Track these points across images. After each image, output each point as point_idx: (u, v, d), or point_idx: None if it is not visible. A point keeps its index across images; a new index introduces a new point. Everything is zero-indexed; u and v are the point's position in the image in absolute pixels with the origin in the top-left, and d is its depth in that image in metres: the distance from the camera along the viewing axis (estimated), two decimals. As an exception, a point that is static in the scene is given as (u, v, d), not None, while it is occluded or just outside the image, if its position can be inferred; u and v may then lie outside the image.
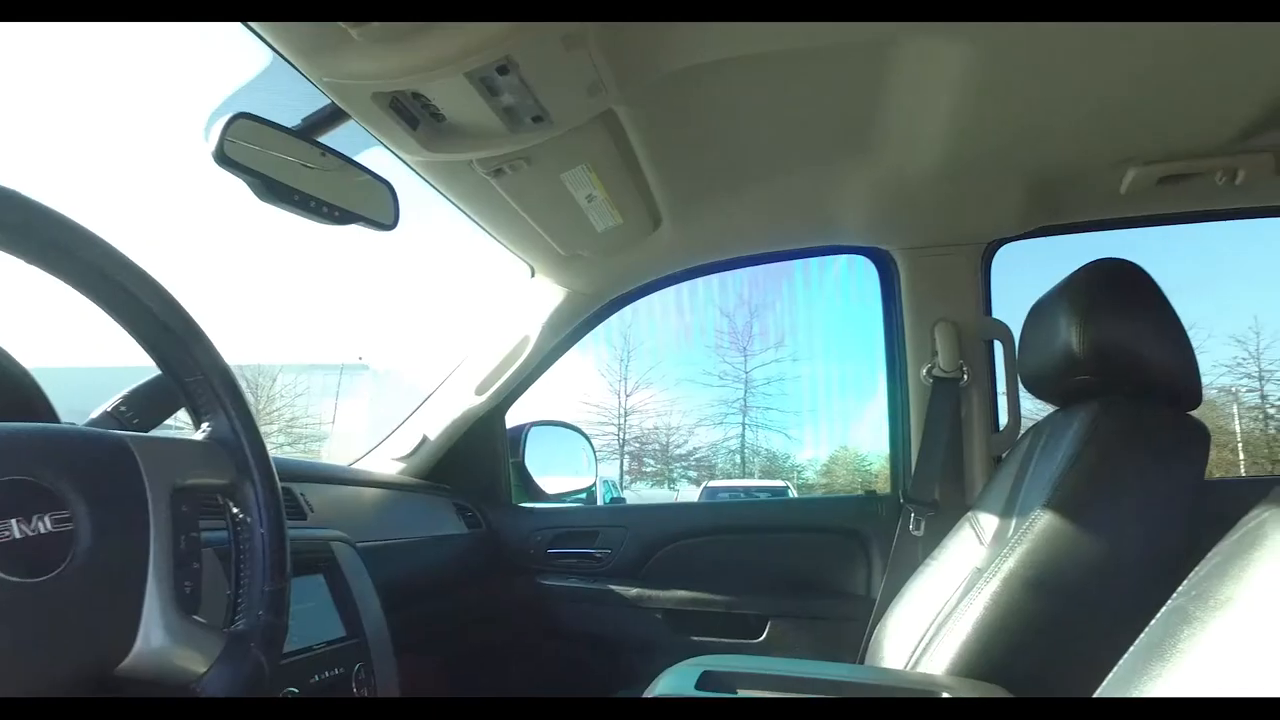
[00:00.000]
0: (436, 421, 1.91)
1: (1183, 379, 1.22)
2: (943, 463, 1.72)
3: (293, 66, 0.98)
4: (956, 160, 1.48)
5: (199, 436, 0.65)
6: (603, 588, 1.87)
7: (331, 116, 1.08)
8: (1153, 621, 0.55)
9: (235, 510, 0.65)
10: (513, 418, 2.07)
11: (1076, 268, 1.33)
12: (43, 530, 0.51)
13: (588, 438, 2.34)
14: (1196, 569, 0.55)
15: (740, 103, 1.34)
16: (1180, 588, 0.55)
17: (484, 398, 1.89)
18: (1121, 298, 1.25)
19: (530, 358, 1.88)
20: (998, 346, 1.79)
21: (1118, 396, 1.22)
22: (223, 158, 0.91)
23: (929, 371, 1.76)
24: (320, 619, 1.03)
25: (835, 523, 1.85)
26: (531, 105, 1.08)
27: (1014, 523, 1.27)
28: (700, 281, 1.96)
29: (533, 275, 1.82)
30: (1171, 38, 1.13)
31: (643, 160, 1.40)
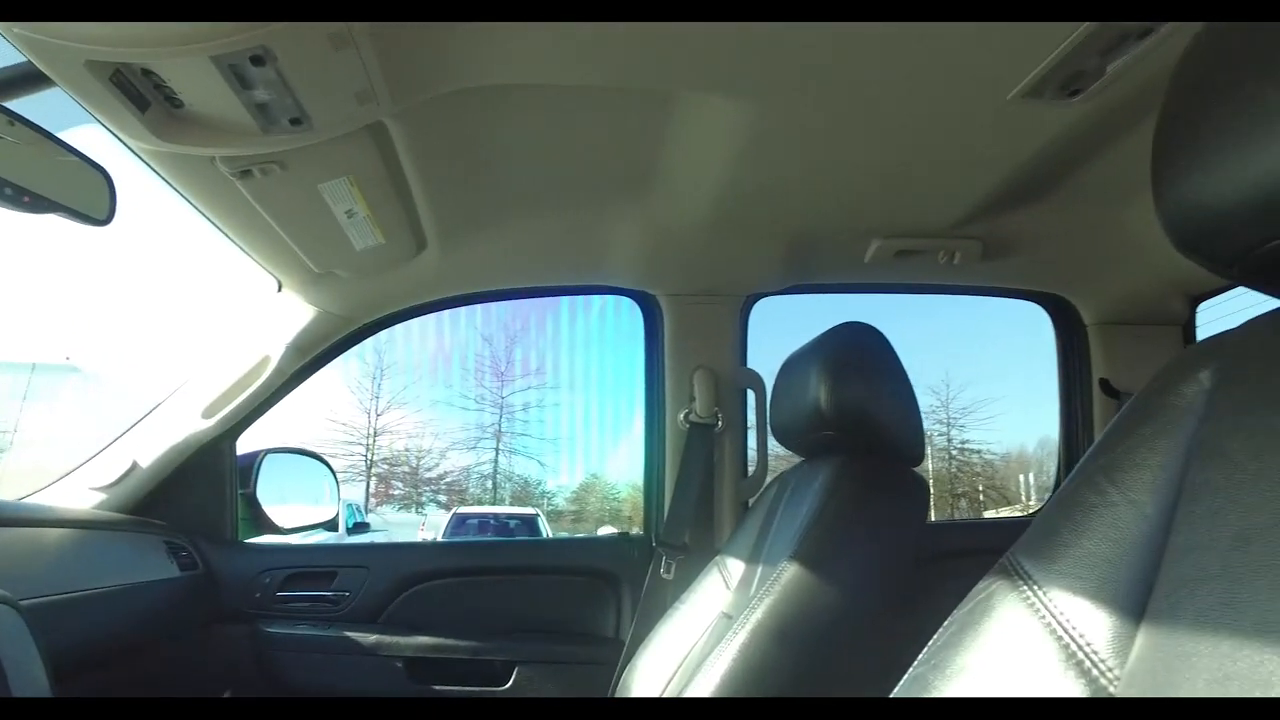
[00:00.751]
0: (151, 446, 1.65)
1: (911, 439, 1.34)
2: (694, 506, 1.77)
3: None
4: (725, 215, 1.55)
5: None
6: (337, 635, 1.70)
7: (26, 78, 0.89)
8: (895, 690, 0.57)
9: None
10: (244, 444, 1.86)
11: (826, 329, 1.44)
12: None
13: (329, 466, 2.15)
14: (934, 639, 0.57)
15: (520, 132, 1.31)
16: (920, 656, 0.57)
17: (211, 422, 1.67)
18: (864, 362, 1.35)
19: (269, 381, 1.69)
20: (751, 395, 1.89)
21: (856, 453, 1.32)
22: None
23: (686, 416, 1.81)
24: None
25: (588, 564, 1.84)
26: (290, 105, 0.97)
27: (760, 571, 1.32)
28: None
29: (279, 289, 1.65)
30: (901, 138, 1.27)
31: (412, 180, 1.32)
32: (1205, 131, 0.51)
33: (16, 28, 0.79)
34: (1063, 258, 1.82)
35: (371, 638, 1.70)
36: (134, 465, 1.64)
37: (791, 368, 1.50)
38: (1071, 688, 0.48)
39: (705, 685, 1.12)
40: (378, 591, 1.77)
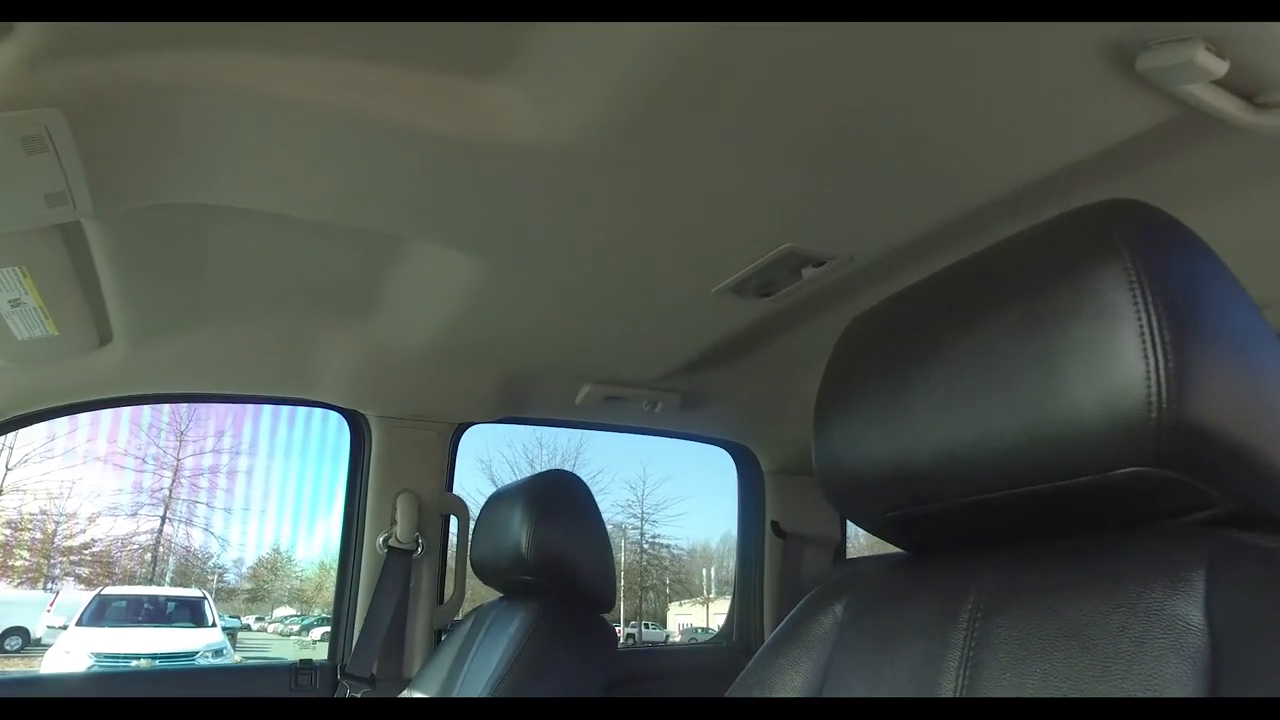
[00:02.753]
0: None
1: (604, 587, 1.41)
2: (385, 634, 1.70)
3: None
4: (443, 346, 1.58)
5: None
6: None
7: None
8: None
9: None
10: None
11: (532, 475, 1.49)
12: None
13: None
14: None
15: (233, 248, 1.26)
16: None
17: None
18: (567, 511, 1.42)
19: None
20: (454, 521, 1.88)
21: (552, 598, 1.36)
22: None
23: (385, 540, 1.75)
24: None
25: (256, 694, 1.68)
26: (-42, 197, 0.86)
27: None
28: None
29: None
30: (615, 309, 1.40)
31: (103, 277, 1.20)
32: (858, 404, 0.62)
33: None
34: (748, 414, 2.05)
35: None
36: None
37: (497, 505, 1.52)
38: None
39: None
40: None
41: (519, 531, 1.37)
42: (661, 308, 1.38)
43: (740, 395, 1.95)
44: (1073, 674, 0.47)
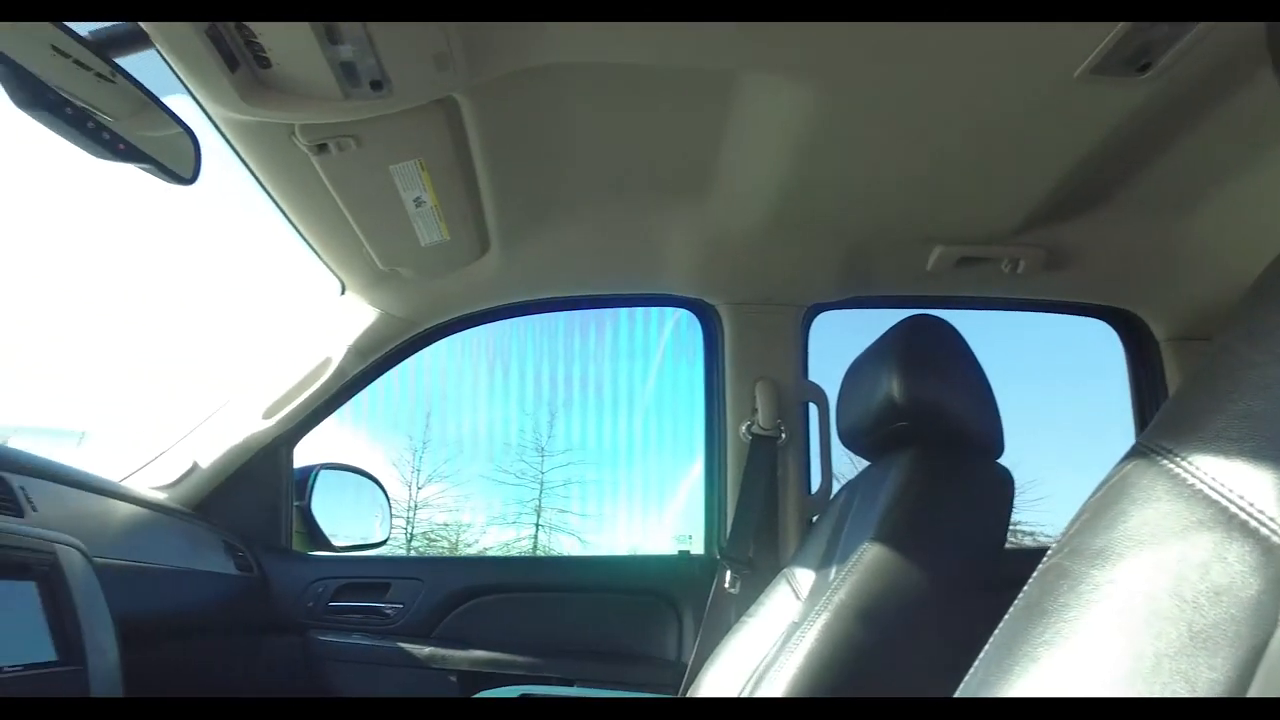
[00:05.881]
0: (212, 447, 1.66)
1: (989, 430, 1.29)
2: (758, 520, 1.72)
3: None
4: (784, 219, 1.55)
5: None
6: (391, 647, 1.67)
7: (129, 38, 0.92)
8: (1028, 584, 0.53)
9: None
10: (300, 458, 1.86)
11: (890, 328, 1.41)
12: None
13: (384, 489, 2.13)
14: (1068, 527, 0.53)
15: (585, 118, 1.33)
16: (1054, 546, 0.53)
17: (271, 422, 1.68)
18: (936, 352, 1.32)
19: (329, 383, 1.70)
20: (813, 410, 1.85)
21: (931, 444, 1.27)
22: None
23: (748, 428, 1.77)
24: (20, 635, 0.81)
25: (646, 583, 1.79)
26: (373, 66, 0.99)
27: (833, 570, 1.27)
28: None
29: (343, 292, 1.67)
30: (966, 123, 1.25)
31: (479, 167, 1.33)
32: None
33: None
34: (1130, 270, 1.77)
35: (425, 650, 1.66)
36: (194, 466, 1.65)
37: (858, 368, 1.46)
38: (1236, 553, 0.43)
39: (787, 670, 1.06)
40: (431, 605, 1.73)
41: (886, 380, 1.29)
42: (1016, 115, 1.23)
43: (1117, 247, 1.69)
44: None
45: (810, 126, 1.27)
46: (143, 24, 0.90)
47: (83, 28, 0.88)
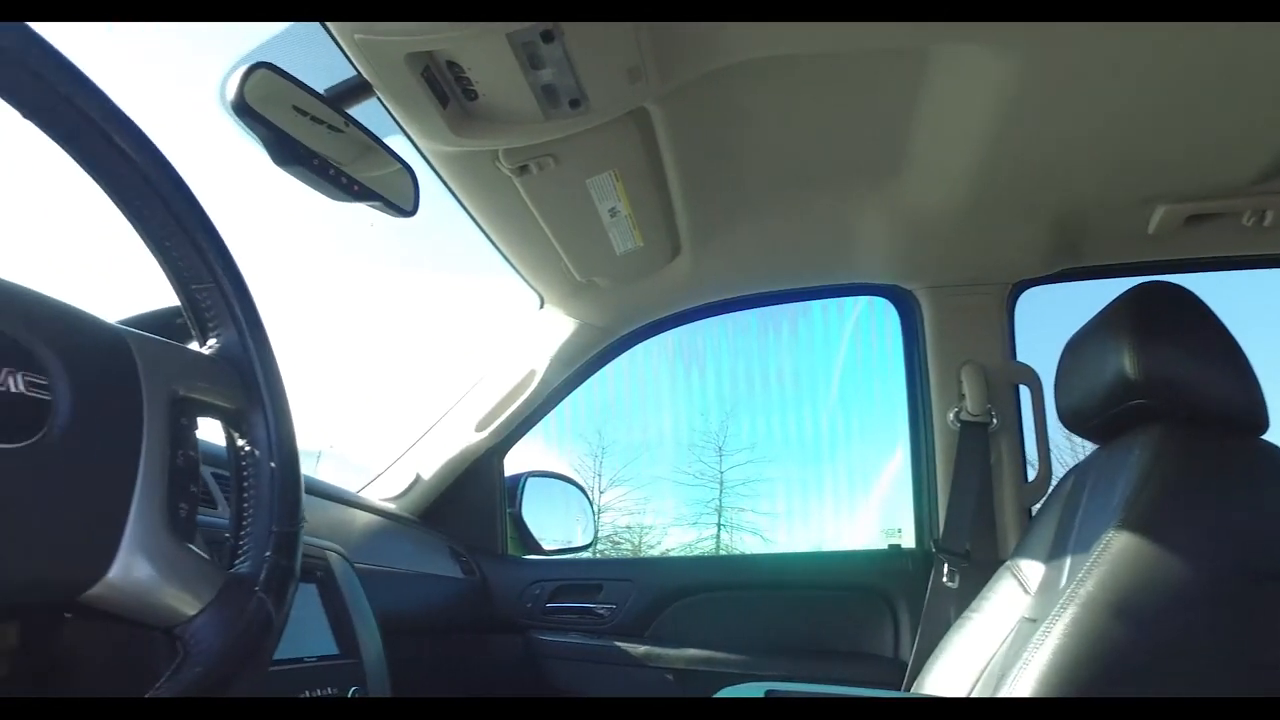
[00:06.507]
0: (432, 459, 1.78)
1: (1245, 401, 1.14)
2: (973, 511, 1.63)
3: (323, 25, 0.92)
4: (983, 194, 1.45)
5: (205, 351, 0.54)
6: (608, 645, 1.72)
7: (356, 89, 1.01)
8: None
9: (240, 441, 0.54)
10: (509, 465, 1.96)
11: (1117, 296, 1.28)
12: (13, 389, 0.40)
13: (588, 495, 2.21)
14: None
15: (771, 113, 1.30)
16: None
17: (484, 434, 1.78)
18: (1175, 319, 1.19)
19: (536, 393, 1.78)
20: (1024, 393, 1.73)
21: (1177, 422, 1.14)
22: (242, 106, 0.84)
23: (956, 415, 1.68)
24: (310, 630, 0.90)
25: (857, 579, 1.74)
26: (571, 85, 1.02)
27: (1069, 561, 1.18)
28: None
29: (541, 306, 1.74)
30: (1202, 63, 1.11)
31: (669, 172, 1.35)
32: None
33: (359, 32, 0.89)
34: None
35: (641, 649, 1.70)
36: (417, 477, 1.78)
37: (1079, 344, 1.35)
38: None
39: (1034, 668, 0.99)
40: (643, 605, 1.77)
41: (1118, 356, 1.18)
42: (1266, 48, 1.08)
43: None
44: None
45: (1012, 93, 1.18)
46: (366, 74, 0.97)
47: (318, 85, 0.97)
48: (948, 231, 1.59)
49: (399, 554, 1.45)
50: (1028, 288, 1.76)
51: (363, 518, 1.40)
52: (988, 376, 1.68)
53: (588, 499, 2.20)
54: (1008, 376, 1.71)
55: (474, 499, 1.86)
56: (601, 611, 1.78)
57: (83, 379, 0.43)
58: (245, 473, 0.54)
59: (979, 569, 1.54)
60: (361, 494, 1.75)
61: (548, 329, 1.77)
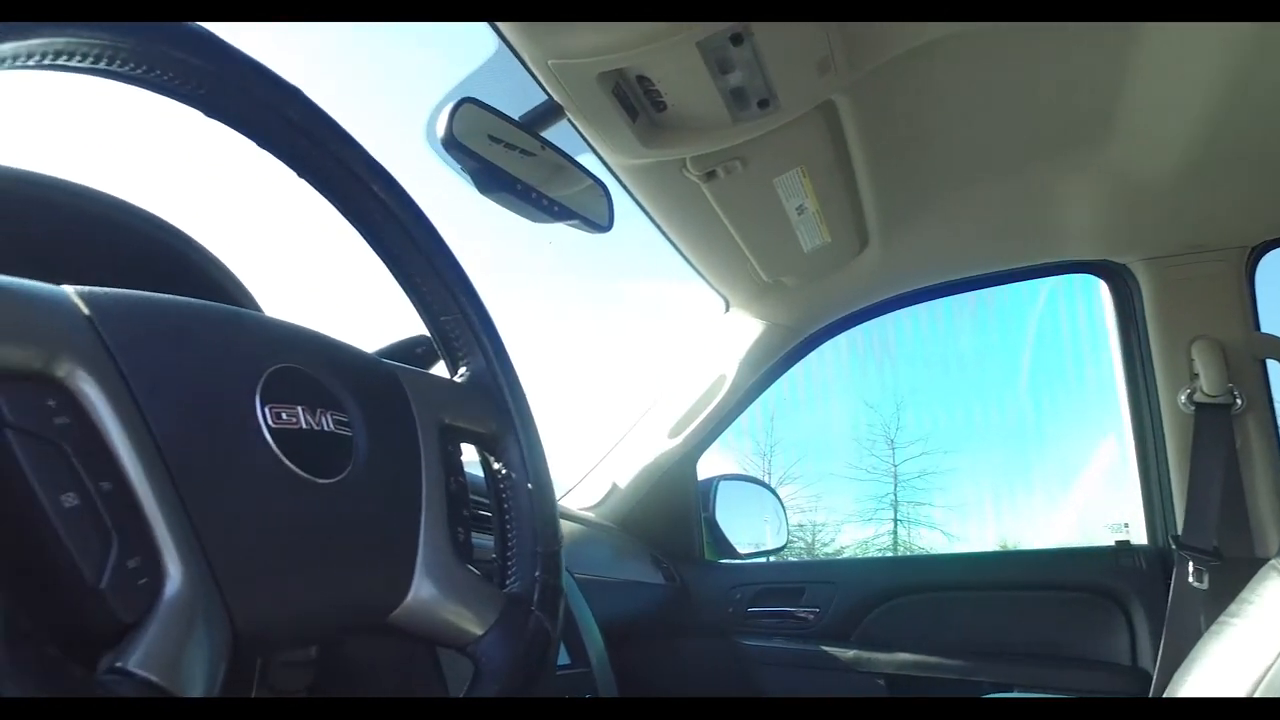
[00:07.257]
0: (627, 468, 1.81)
1: None
2: (1220, 503, 1.46)
3: (516, 55, 0.95)
4: (1211, 151, 1.30)
5: (457, 380, 0.57)
6: (814, 650, 1.68)
7: (547, 113, 1.04)
8: None
9: (496, 464, 0.57)
10: (700, 470, 1.96)
11: None
12: (326, 427, 0.43)
13: (778, 495, 2.17)
14: None
15: (963, 91, 1.23)
16: None
17: (677, 441, 1.79)
18: None
19: (727, 398, 1.77)
20: (1274, 368, 1.53)
21: None
22: (451, 141, 0.88)
23: (1189, 397, 1.51)
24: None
25: (1081, 579, 1.61)
26: (760, 86, 1.00)
27: None
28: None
29: (727, 309, 1.72)
30: None
31: (857, 163, 1.30)
32: None
33: (551, 58, 0.92)
34: None
35: (849, 653, 1.65)
36: (614, 486, 1.81)
37: None
38: None
39: None
40: (847, 608, 1.72)
41: None
42: None
43: None
44: None
45: (1246, 33, 1.04)
46: (558, 97, 1.00)
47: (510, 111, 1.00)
48: (1169, 197, 1.43)
49: (606, 562, 1.48)
50: (1271, 250, 1.56)
51: (569, 527, 1.44)
52: (1226, 352, 1.50)
53: (778, 500, 2.17)
54: (1252, 350, 1.52)
55: (670, 505, 1.87)
56: (805, 615, 1.74)
57: (372, 414, 0.47)
58: (504, 495, 0.57)
59: (1232, 568, 1.38)
60: (560, 503, 1.81)
61: (735, 332, 1.75)
